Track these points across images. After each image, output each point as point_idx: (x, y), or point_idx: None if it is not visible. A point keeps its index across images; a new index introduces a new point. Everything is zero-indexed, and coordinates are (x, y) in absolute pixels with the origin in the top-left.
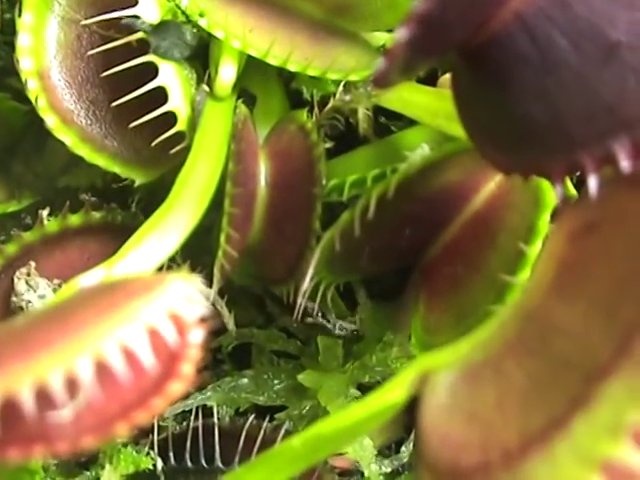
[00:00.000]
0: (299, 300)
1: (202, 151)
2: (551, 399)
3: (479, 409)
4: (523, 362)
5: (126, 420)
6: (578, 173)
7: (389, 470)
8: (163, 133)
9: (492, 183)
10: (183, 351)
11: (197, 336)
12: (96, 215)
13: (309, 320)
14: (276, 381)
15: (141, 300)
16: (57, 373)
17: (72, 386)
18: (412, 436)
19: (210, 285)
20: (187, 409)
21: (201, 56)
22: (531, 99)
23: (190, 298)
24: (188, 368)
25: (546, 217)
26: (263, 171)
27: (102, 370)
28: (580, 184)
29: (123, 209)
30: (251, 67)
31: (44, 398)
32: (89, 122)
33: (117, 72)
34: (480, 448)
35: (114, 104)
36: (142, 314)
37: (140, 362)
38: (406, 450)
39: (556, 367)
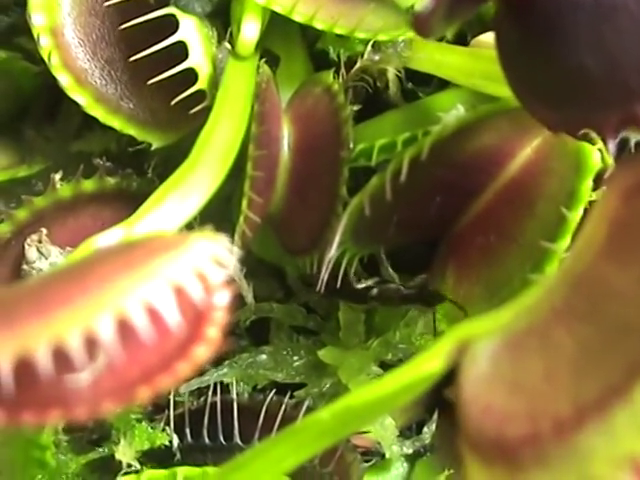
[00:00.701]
0: (322, 272)
1: (224, 110)
2: (607, 366)
3: (525, 379)
4: (573, 329)
5: (149, 384)
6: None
7: (410, 451)
8: (182, 93)
9: (529, 148)
10: (209, 313)
11: (223, 298)
12: (110, 181)
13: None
14: (295, 357)
15: (165, 257)
16: (76, 332)
17: (91, 347)
18: (434, 417)
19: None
20: (203, 385)
21: (222, 13)
22: (585, 49)
23: (216, 258)
24: (214, 331)
25: (588, 182)
26: (286, 135)
27: (124, 329)
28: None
29: (139, 175)
30: (274, 27)
31: (61, 359)
32: (104, 82)
33: (134, 30)
34: (528, 419)
35: (130, 63)
36: (167, 271)
37: (165, 322)
38: (428, 431)
39: (611, 332)
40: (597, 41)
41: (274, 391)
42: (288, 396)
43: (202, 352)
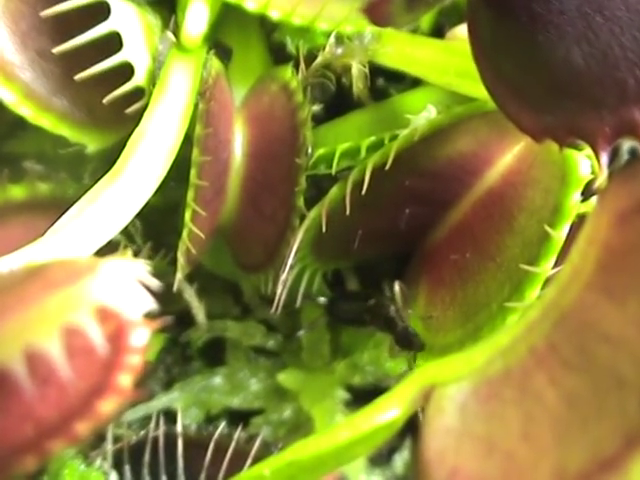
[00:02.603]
0: (278, 290)
1: (160, 109)
2: (597, 429)
3: (499, 437)
4: (557, 377)
5: (37, 450)
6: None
7: None
8: (119, 89)
9: (510, 155)
10: (119, 359)
11: (140, 338)
12: (43, 187)
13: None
14: (253, 381)
15: (63, 293)
16: None
17: None
18: (407, 444)
19: (175, 270)
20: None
21: (169, 0)
22: (572, 41)
23: (131, 289)
24: (126, 379)
25: (575, 195)
26: (239, 137)
27: (5, 387)
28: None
29: (75, 180)
30: (227, 15)
31: None
32: (34, 76)
33: (68, 17)
34: None
35: (64, 54)
36: (62, 311)
37: (57, 374)
38: (400, 459)
39: (602, 385)
40: (587, 32)
41: (228, 421)
42: (242, 425)
43: (108, 406)
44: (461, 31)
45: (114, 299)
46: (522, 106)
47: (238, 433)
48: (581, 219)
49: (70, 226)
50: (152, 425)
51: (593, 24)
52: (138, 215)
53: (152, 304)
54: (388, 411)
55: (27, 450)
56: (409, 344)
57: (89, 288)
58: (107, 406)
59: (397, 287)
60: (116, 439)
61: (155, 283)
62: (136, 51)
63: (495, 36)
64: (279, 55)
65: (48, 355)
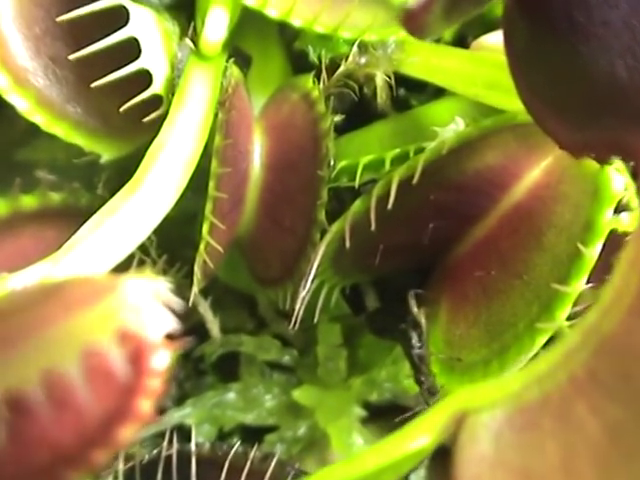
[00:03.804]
0: (297, 306)
1: (180, 119)
2: None
3: (536, 467)
4: (599, 406)
5: (52, 477)
6: None
7: None
8: (136, 97)
9: (538, 169)
10: (139, 383)
11: (161, 361)
12: (55, 197)
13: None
14: (267, 397)
15: (83, 314)
16: None
17: None
18: (424, 462)
19: (191, 284)
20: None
21: (189, 6)
22: (617, 53)
23: (152, 309)
24: (146, 404)
25: (607, 212)
26: (258, 148)
27: (21, 411)
28: None
29: (88, 190)
30: (247, 22)
31: None
32: (48, 83)
33: (83, 23)
34: None
35: (79, 61)
36: (82, 333)
37: (75, 399)
38: (416, 479)
39: None
40: (633, 45)
41: (241, 438)
42: (258, 442)
43: (128, 432)
44: (487, 41)
45: (135, 320)
46: (560, 121)
47: (253, 452)
48: (614, 236)
49: (87, 240)
50: (165, 443)
51: (639, 36)
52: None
53: (173, 324)
54: (418, 438)
55: (42, 477)
56: (425, 385)
57: (110, 309)
58: (126, 432)
59: (421, 317)
60: (128, 457)
61: (176, 302)
62: (154, 58)
63: (532, 47)
64: (300, 64)
65: (67, 379)
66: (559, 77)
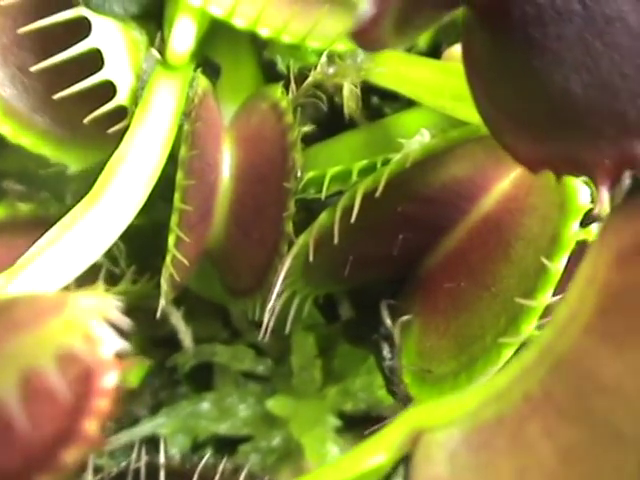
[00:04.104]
0: (266, 317)
1: (141, 131)
2: None
3: None
4: (552, 428)
5: None
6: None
7: None
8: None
9: (506, 181)
10: (86, 404)
11: (109, 381)
12: (23, 207)
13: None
14: (242, 407)
15: (26, 336)
16: None
17: None
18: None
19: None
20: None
21: (156, 15)
22: (571, 69)
23: (99, 329)
24: (93, 426)
25: (573, 225)
26: (228, 159)
27: None
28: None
29: (57, 201)
30: (218, 31)
31: None
32: (15, 92)
33: (52, 33)
34: None
35: (46, 71)
36: (23, 356)
37: (14, 423)
38: None
39: (600, 440)
40: (586, 59)
41: (215, 448)
42: (230, 453)
43: (74, 454)
44: (458, 51)
45: (82, 340)
46: (517, 135)
47: (223, 464)
48: (581, 248)
49: (43, 255)
50: (134, 455)
51: (592, 51)
52: (123, 237)
53: (122, 344)
54: (374, 456)
55: None
56: (395, 393)
57: (55, 329)
58: (72, 455)
59: (394, 329)
60: (97, 469)
61: (126, 320)
62: (119, 69)
63: (489, 60)
64: (270, 74)
65: (6, 403)
66: (516, 91)
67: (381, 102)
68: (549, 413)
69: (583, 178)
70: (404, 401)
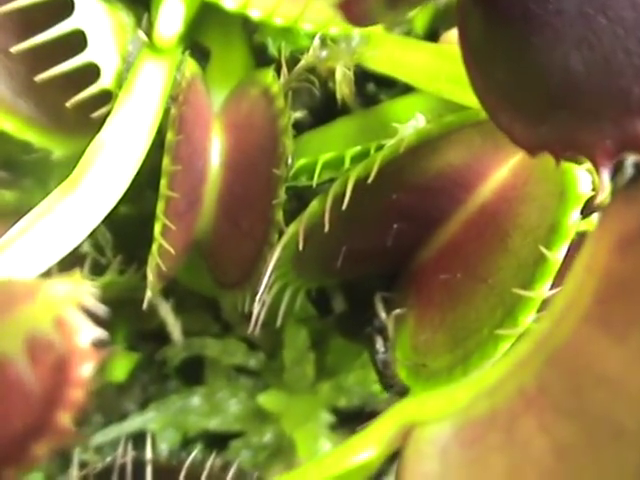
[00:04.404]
0: (256, 309)
1: (124, 115)
2: None
3: None
4: (547, 423)
5: None
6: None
7: None
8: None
9: (504, 168)
10: (59, 395)
11: (83, 371)
12: (7, 195)
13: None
14: (233, 401)
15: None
16: None
17: None
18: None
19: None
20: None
21: None
22: (572, 44)
23: (73, 316)
24: (66, 418)
25: (573, 214)
26: (217, 146)
27: None
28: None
29: (42, 189)
30: (208, 14)
31: None
32: None
33: (36, 15)
34: None
35: (30, 54)
36: None
37: None
38: None
39: (598, 435)
40: (588, 35)
41: (206, 444)
42: (220, 449)
43: (45, 448)
44: (456, 34)
45: (53, 328)
46: (515, 116)
47: (212, 460)
48: (581, 238)
49: (18, 243)
50: (120, 450)
51: (595, 26)
52: (109, 226)
53: (98, 332)
54: (363, 451)
55: None
56: (390, 387)
57: (28, 316)
58: (43, 449)
59: (388, 322)
60: (83, 464)
61: (102, 308)
62: (103, 51)
63: (486, 38)
64: (260, 58)
65: None
66: (513, 70)
67: (377, 89)
68: (545, 408)
69: (584, 165)
70: (398, 395)
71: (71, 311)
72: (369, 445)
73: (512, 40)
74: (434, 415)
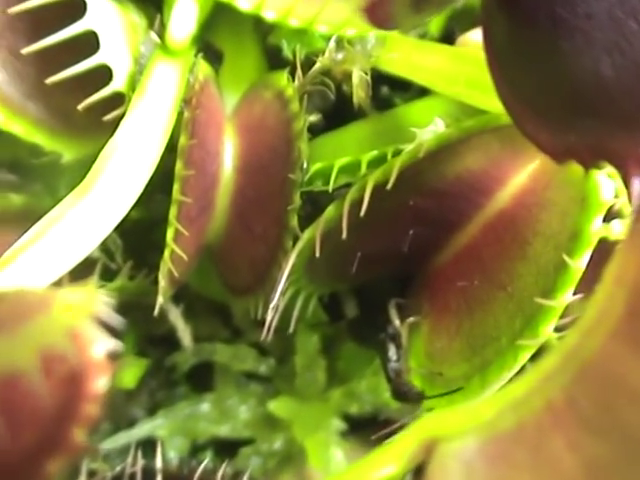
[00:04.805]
0: (269, 316)
1: (138, 118)
2: None
3: None
4: (577, 439)
5: None
6: None
7: None
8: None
9: (523, 174)
10: (72, 410)
11: (97, 385)
12: (16, 199)
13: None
14: (243, 408)
15: (7, 337)
16: None
17: None
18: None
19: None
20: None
21: None
22: (602, 49)
23: (90, 327)
24: (79, 434)
25: (595, 221)
26: (230, 150)
27: None
28: None
29: (50, 193)
30: (220, 15)
31: None
32: (7, 78)
33: (47, 16)
34: None
35: (40, 55)
36: (5, 357)
37: None
38: None
39: (631, 455)
40: (619, 40)
41: (215, 451)
42: (230, 456)
43: (58, 464)
44: (473, 37)
45: (67, 340)
46: (542, 123)
47: (223, 469)
48: (604, 246)
49: (30, 249)
50: (130, 459)
51: (626, 30)
52: (120, 231)
53: (114, 343)
54: (384, 467)
55: None
56: (404, 397)
57: (41, 328)
58: (56, 465)
59: (402, 329)
60: (91, 473)
61: (116, 319)
62: (115, 53)
63: (512, 44)
64: (274, 60)
65: None
66: (540, 76)
67: (391, 92)
68: (573, 424)
69: (606, 171)
70: (411, 404)
71: (85, 322)
72: (390, 460)
73: (539, 45)
74: (458, 430)
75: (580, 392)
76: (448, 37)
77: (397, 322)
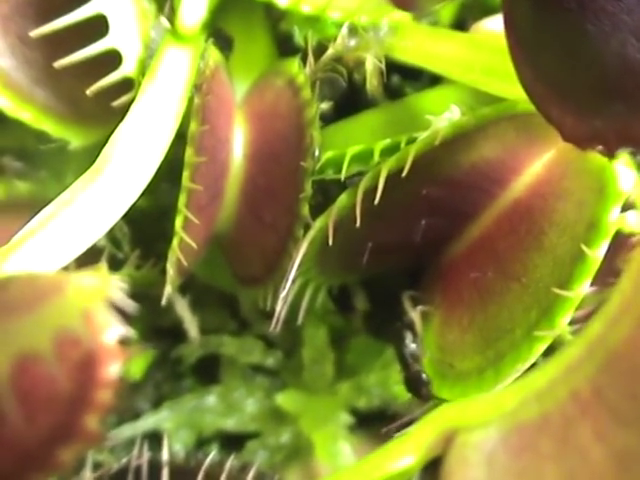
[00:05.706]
0: (278, 307)
1: (148, 103)
2: None
3: None
4: (604, 429)
5: None
6: None
7: None
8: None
9: (539, 163)
10: (86, 396)
11: (112, 370)
12: (21, 186)
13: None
14: (249, 401)
15: (20, 321)
16: None
17: None
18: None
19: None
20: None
21: None
22: (629, 32)
23: (103, 312)
24: (93, 421)
25: (613, 210)
26: (240, 137)
27: None
28: None
29: (57, 180)
30: (230, 1)
31: None
32: (15, 64)
33: (56, 2)
34: None
35: (48, 41)
36: (19, 341)
37: (7, 420)
38: None
39: None
40: None
41: (221, 445)
42: (237, 450)
43: (72, 452)
44: (487, 25)
45: (81, 324)
46: (566, 108)
47: (230, 462)
48: (620, 237)
49: (39, 234)
50: (136, 451)
51: None
52: (126, 219)
53: (127, 329)
54: (402, 458)
55: None
56: (417, 391)
57: (53, 312)
58: (70, 453)
59: (417, 318)
60: (97, 465)
61: (131, 305)
62: (125, 38)
63: (537, 27)
64: (286, 47)
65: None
66: (565, 60)
67: (402, 81)
68: (601, 414)
69: (624, 161)
70: (425, 393)
71: (99, 306)
72: (408, 451)
73: (564, 28)
74: (478, 420)
75: (607, 382)
76: (460, 26)
77: (412, 312)
